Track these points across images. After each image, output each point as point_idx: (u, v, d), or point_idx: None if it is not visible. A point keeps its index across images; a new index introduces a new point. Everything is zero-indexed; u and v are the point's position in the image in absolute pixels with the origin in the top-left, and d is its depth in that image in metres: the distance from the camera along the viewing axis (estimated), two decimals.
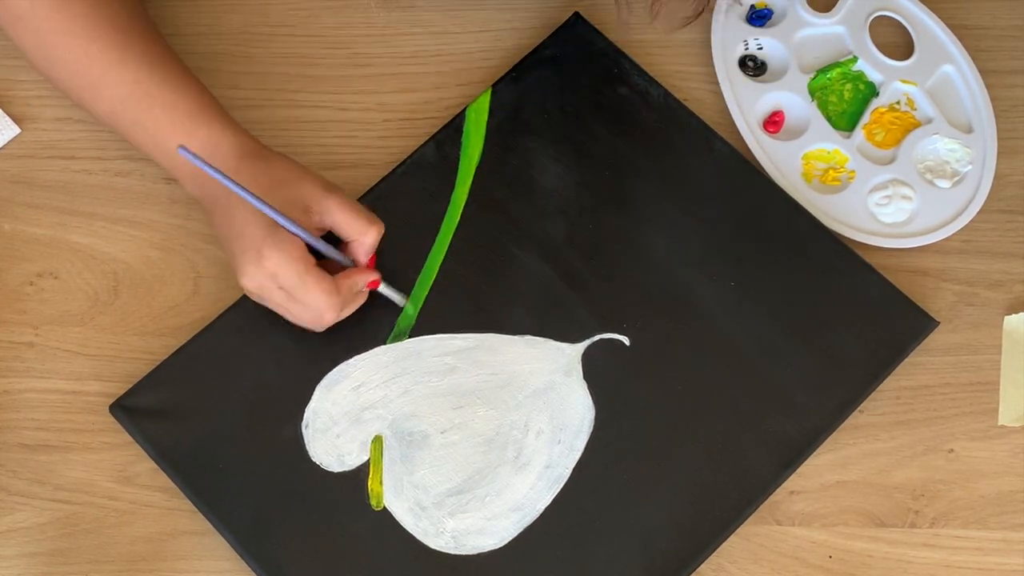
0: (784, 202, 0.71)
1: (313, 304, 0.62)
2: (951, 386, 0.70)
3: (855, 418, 0.68)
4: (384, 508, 0.64)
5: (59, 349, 0.68)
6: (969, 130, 0.75)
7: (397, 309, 0.68)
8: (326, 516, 0.64)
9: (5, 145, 0.72)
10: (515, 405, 0.66)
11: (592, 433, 0.66)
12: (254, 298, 0.64)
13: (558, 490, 0.65)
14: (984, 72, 0.76)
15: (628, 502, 0.64)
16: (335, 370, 0.66)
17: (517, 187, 0.71)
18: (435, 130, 0.73)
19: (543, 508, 0.64)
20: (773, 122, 0.75)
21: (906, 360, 0.69)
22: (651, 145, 0.72)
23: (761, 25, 0.78)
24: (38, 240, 0.71)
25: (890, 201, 0.73)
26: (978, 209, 0.73)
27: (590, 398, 0.66)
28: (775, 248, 0.70)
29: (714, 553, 0.64)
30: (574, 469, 0.65)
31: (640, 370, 0.67)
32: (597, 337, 0.68)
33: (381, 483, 0.64)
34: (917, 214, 0.73)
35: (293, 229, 0.61)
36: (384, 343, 0.67)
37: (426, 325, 0.68)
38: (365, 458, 0.65)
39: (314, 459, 0.65)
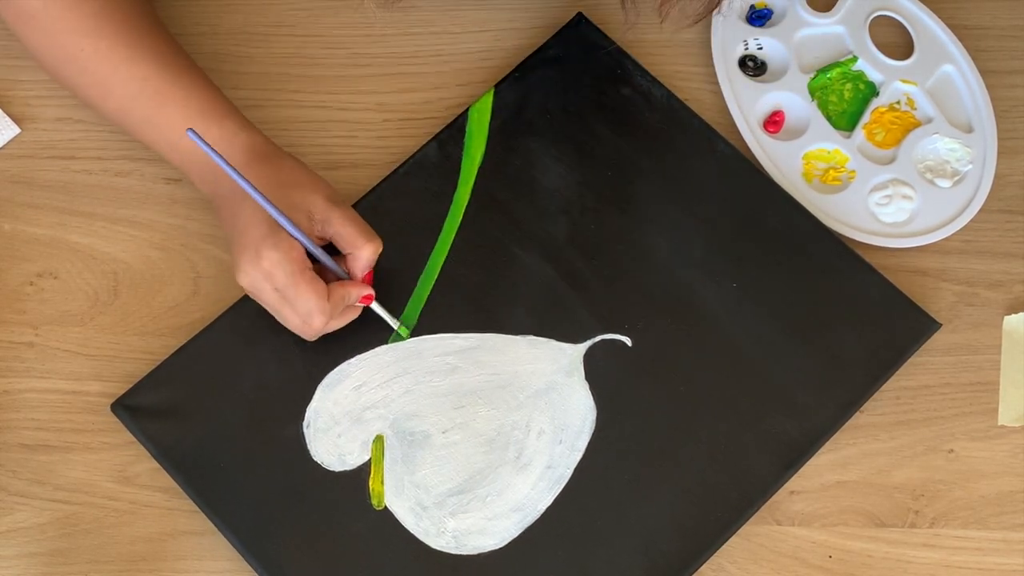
0: (786, 203, 0.71)
1: (303, 306, 0.62)
2: (951, 386, 0.70)
3: (855, 418, 0.68)
4: (385, 508, 0.64)
5: (59, 349, 0.68)
6: (969, 130, 0.75)
7: (400, 305, 0.68)
8: (327, 515, 0.64)
9: (5, 145, 0.72)
10: (516, 405, 0.66)
11: (593, 434, 0.66)
12: (250, 295, 0.65)
13: (559, 490, 0.65)
14: (984, 72, 0.76)
15: (629, 503, 0.64)
16: (336, 369, 0.66)
17: (519, 187, 0.71)
18: (435, 130, 0.73)
19: (544, 508, 0.64)
20: (773, 122, 0.75)
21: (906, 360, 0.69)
22: (653, 146, 0.72)
23: (761, 25, 0.78)
24: (38, 240, 0.70)
25: (890, 201, 0.73)
26: (978, 209, 0.73)
27: (592, 399, 0.66)
28: (777, 249, 0.70)
29: (714, 553, 0.64)
30: (575, 470, 0.65)
31: (642, 371, 0.67)
32: (599, 338, 0.68)
33: (382, 483, 0.64)
34: (917, 214, 0.73)
35: (293, 231, 0.61)
36: (385, 343, 0.67)
37: (428, 325, 0.68)
38: (366, 458, 0.65)
39: (315, 458, 0.65)
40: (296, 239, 0.62)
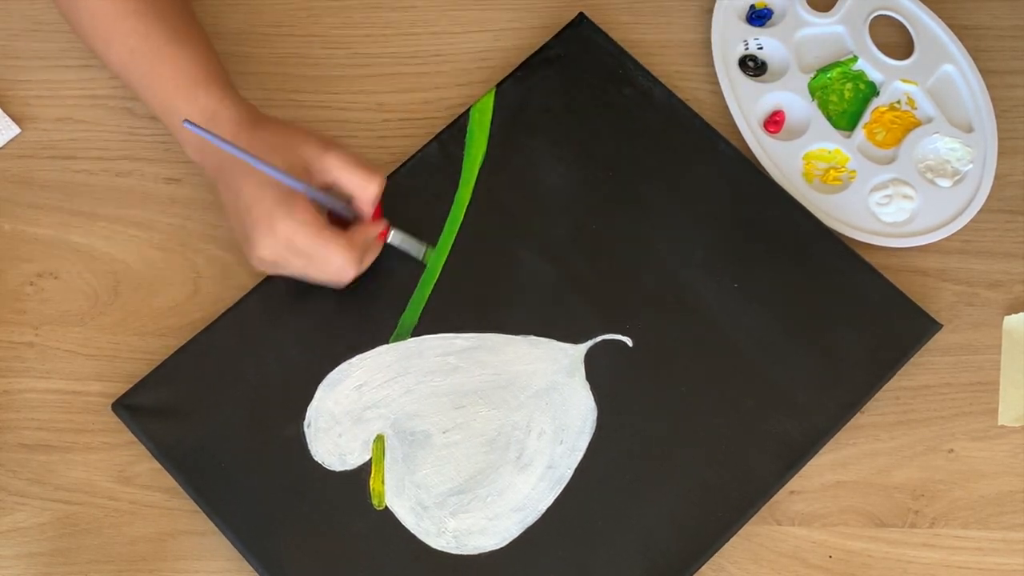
0: (788, 204, 0.71)
1: (334, 264, 0.62)
2: (951, 386, 0.70)
3: (855, 418, 0.68)
4: (386, 507, 0.64)
5: (59, 349, 0.68)
6: (969, 129, 0.75)
7: (402, 305, 0.68)
8: (328, 515, 0.64)
9: (5, 145, 0.72)
10: (517, 405, 0.66)
11: (594, 434, 0.66)
12: (270, 270, 0.64)
13: (560, 491, 0.65)
14: (984, 72, 0.77)
15: (630, 503, 0.64)
16: (337, 369, 0.66)
17: (521, 187, 0.71)
18: (435, 130, 0.73)
19: (545, 508, 0.64)
20: (774, 122, 0.75)
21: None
22: (655, 146, 0.72)
23: (761, 25, 0.78)
24: (38, 240, 0.70)
25: (891, 200, 0.73)
26: (979, 208, 0.73)
27: (592, 399, 0.66)
28: (779, 250, 0.70)
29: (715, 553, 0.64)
30: (576, 470, 0.65)
31: (643, 371, 0.67)
32: (600, 338, 0.68)
33: (383, 482, 0.64)
34: (918, 213, 0.73)
35: (296, 185, 0.61)
36: (387, 342, 0.67)
37: (429, 324, 0.68)
38: (367, 457, 0.65)
39: (316, 458, 0.65)
40: (311, 197, 0.61)
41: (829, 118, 0.75)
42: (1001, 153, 0.75)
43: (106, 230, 0.71)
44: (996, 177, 0.74)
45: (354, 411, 0.66)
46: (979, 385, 0.70)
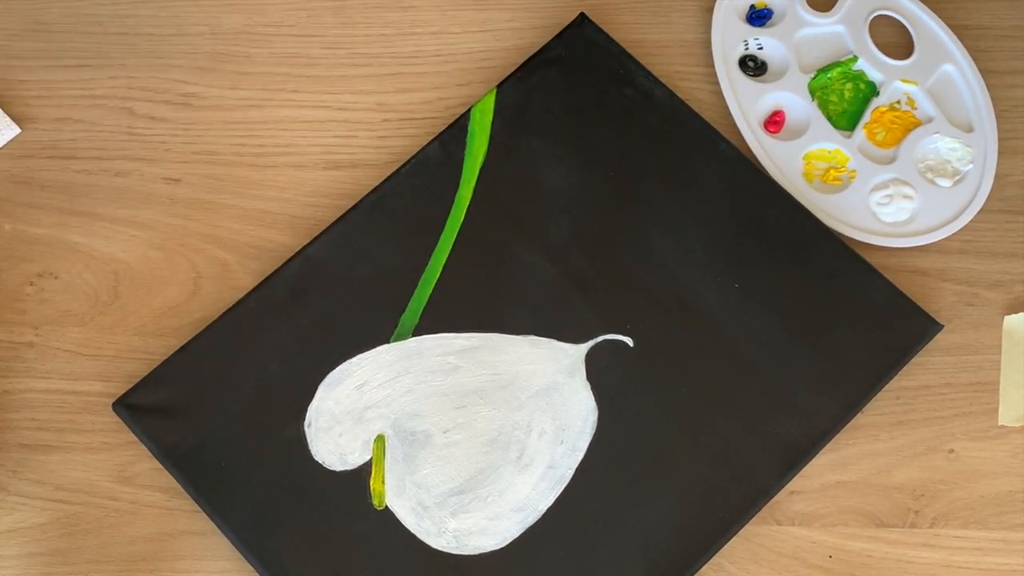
0: (789, 204, 0.71)
1: None
2: (951, 386, 0.70)
3: (855, 418, 0.68)
4: (386, 507, 0.64)
5: (59, 349, 0.68)
6: (970, 129, 0.75)
7: (402, 304, 0.68)
8: (328, 515, 0.64)
9: (5, 145, 0.72)
10: (518, 405, 0.66)
11: (595, 434, 0.66)
12: None
13: (560, 491, 0.65)
14: (984, 72, 0.77)
15: (630, 503, 0.64)
16: (338, 369, 0.66)
17: (521, 187, 0.71)
18: (435, 130, 0.73)
19: (545, 509, 0.64)
20: (774, 122, 0.75)
21: None
22: (655, 146, 0.72)
23: (761, 25, 0.78)
24: (38, 240, 0.70)
25: (891, 200, 0.73)
26: (979, 208, 0.73)
27: (593, 399, 0.66)
28: (780, 250, 0.70)
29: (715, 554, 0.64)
30: (576, 470, 0.65)
31: (643, 371, 0.67)
32: (601, 338, 0.68)
33: (383, 482, 0.64)
34: (918, 213, 0.73)
35: None
36: (387, 342, 0.67)
37: (429, 324, 0.68)
38: (367, 457, 0.65)
39: (316, 458, 0.65)
40: None
41: (829, 118, 0.75)
42: (1001, 153, 0.75)
43: (106, 230, 0.71)
44: (996, 177, 0.74)
45: (355, 411, 0.66)
46: (979, 385, 0.70)
